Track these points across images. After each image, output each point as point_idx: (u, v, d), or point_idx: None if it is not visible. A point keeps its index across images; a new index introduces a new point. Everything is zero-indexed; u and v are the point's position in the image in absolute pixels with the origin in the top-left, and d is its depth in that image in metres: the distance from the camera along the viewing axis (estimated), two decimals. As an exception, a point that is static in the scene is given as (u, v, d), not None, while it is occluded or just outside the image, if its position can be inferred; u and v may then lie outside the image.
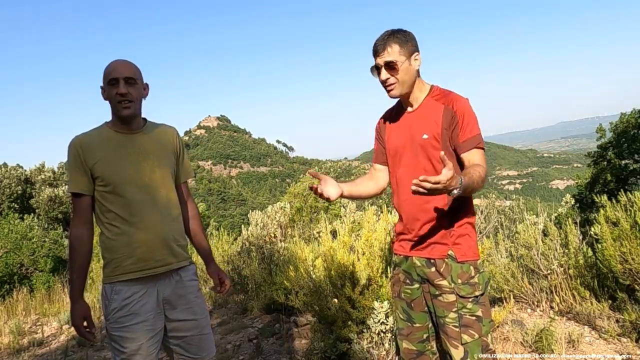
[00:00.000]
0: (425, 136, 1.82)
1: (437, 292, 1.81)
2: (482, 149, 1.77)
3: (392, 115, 2.00)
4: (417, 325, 1.92)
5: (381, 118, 2.07)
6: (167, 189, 1.99)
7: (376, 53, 1.82)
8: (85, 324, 1.89)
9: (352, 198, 2.09)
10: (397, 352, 2.04)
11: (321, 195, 1.84)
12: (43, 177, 13.80)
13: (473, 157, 1.74)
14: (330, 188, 1.86)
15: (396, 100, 1.96)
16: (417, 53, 1.83)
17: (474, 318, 1.77)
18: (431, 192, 1.46)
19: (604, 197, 3.60)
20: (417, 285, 1.90)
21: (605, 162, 8.60)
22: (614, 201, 3.45)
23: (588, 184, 8.74)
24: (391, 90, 1.84)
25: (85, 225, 1.91)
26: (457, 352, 1.78)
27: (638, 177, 7.86)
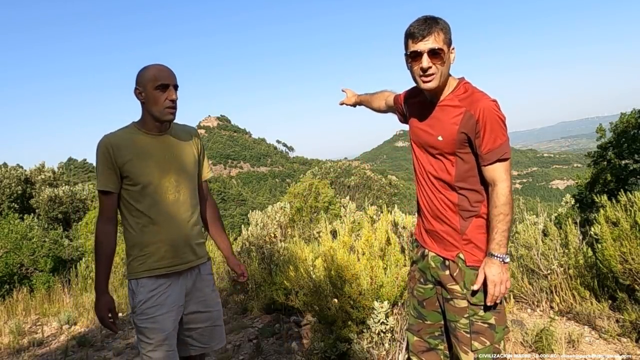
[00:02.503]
0: (440, 138, 1.74)
1: (449, 296, 1.78)
2: (507, 159, 1.67)
3: (417, 100, 1.91)
4: (429, 322, 1.91)
5: (409, 92, 2.00)
6: (190, 190, 2.08)
7: (415, 37, 1.66)
8: (110, 315, 1.96)
9: (364, 105, 2.46)
10: (407, 347, 2.03)
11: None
12: (43, 177, 13.79)
13: (493, 174, 1.68)
14: (351, 98, 2.49)
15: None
16: (453, 46, 1.73)
17: (486, 325, 1.72)
18: (499, 292, 1.69)
19: (604, 197, 3.60)
20: (430, 286, 1.88)
21: (605, 162, 8.58)
22: (614, 201, 3.45)
23: (588, 184, 8.73)
24: (430, 81, 1.69)
25: (112, 221, 1.97)
26: (467, 358, 1.75)
27: (638, 177, 7.85)
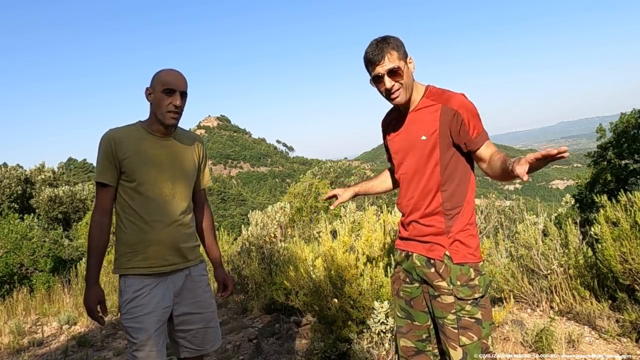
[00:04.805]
0: (423, 137, 1.82)
1: (435, 293, 1.81)
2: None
3: (392, 118, 2.01)
4: (417, 323, 1.92)
5: (382, 120, 2.09)
6: (185, 194, 2.09)
7: (374, 63, 1.79)
8: (98, 308, 1.97)
9: (365, 195, 2.28)
10: (397, 351, 2.04)
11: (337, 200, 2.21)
12: (43, 177, 13.81)
13: (487, 149, 1.75)
14: (345, 194, 2.20)
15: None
16: (409, 56, 1.84)
17: (472, 320, 1.76)
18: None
19: (604, 197, 3.60)
20: (417, 285, 1.90)
21: (605, 162, 8.58)
22: (614, 201, 3.45)
23: (588, 184, 8.73)
24: (397, 97, 1.82)
25: (106, 214, 1.99)
26: (455, 354, 1.77)
27: (638, 177, 7.85)
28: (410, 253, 1.91)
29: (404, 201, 1.93)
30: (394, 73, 1.78)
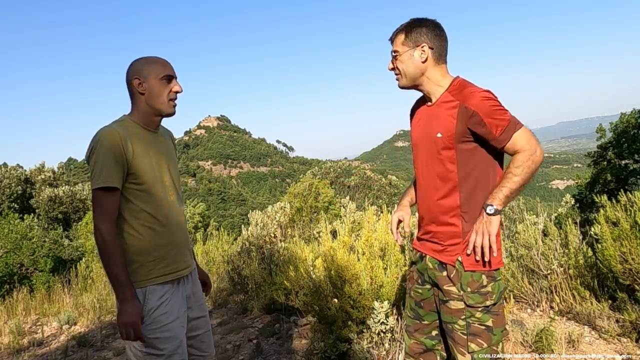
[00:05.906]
0: (439, 135, 1.75)
1: (445, 298, 1.76)
2: (521, 127, 1.66)
3: (417, 107, 1.96)
4: (426, 322, 1.89)
5: (411, 108, 2.02)
6: (180, 193, 1.99)
7: (390, 41, 1.84)
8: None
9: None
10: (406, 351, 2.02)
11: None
12: (43, 177, 13.80)
13: (513, 147, 1.66)
14: (407, 209, 2.04)
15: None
16: (424, 44, 1.75)
17: (483, 327, 1.71)
18: (484, 242, 1.65)
19: (604, 197, 3.59)
20: (428, 287, 1.87)
21: (605, 162, 8.56)
22: (614, 201, 3.44)
23: (588, 184, 8.71)
24: (396, 80, 1.84)
25: (114, 221, 1.77)
26: (464, 359, 1.74)
27: (638, 177, 7.84)
28: (424, 254, 1.87)
29: (419, 199, 1.89)
30: (394, 57, 1.81)
